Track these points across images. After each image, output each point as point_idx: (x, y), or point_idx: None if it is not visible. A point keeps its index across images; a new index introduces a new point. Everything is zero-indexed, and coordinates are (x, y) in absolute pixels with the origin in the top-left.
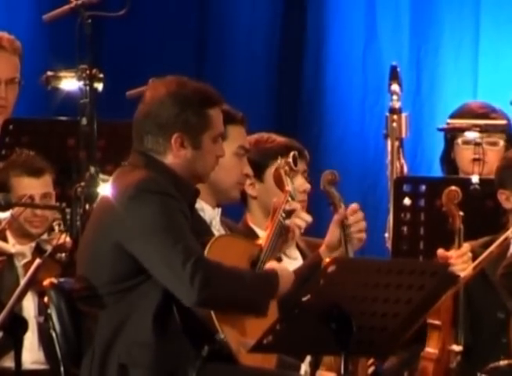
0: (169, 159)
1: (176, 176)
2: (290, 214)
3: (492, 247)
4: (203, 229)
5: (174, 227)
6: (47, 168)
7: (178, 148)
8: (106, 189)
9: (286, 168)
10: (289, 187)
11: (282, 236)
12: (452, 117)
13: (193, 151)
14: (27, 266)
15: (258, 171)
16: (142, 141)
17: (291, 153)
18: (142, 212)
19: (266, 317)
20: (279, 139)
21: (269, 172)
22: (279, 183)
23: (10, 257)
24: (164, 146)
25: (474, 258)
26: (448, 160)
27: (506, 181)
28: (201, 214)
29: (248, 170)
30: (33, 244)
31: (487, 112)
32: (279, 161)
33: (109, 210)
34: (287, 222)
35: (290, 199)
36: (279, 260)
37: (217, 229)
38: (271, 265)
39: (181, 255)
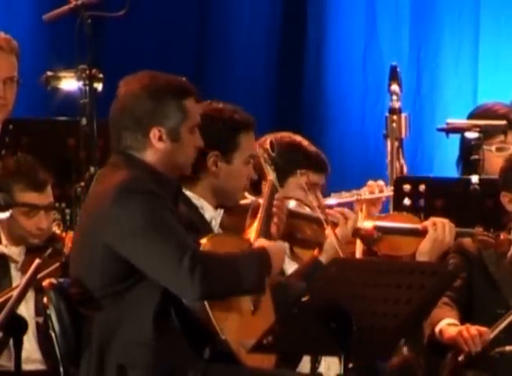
0: (149, 155)
1: (157, 173)
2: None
3: None
4: (203, 227)
5: (163, 225)
6: (49, 178)
7: (157, 142)
8: (89, 191)
9: (265, 155)
10: (271, 176)
11: (269, 224)
12: (472, 117)
13: (172, 144)
14: (22, 267)
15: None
16: (121, 139)
17: (268, 140)
18: (129, 214)
19: (264, 293)
20: (310, 148)
21: (291, 180)
22: (262, 172)
23: (3, 257)
24: (142, 142)
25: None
26: (469, 162)
27: (509, 183)
28: (201, 211)
29: (254, 176)
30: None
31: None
32: (258, 150)
33: (95, 213)
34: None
35: (273, 188)
36: None
37: (216, 229)
38: (260, 242)
39: (175, 252)
